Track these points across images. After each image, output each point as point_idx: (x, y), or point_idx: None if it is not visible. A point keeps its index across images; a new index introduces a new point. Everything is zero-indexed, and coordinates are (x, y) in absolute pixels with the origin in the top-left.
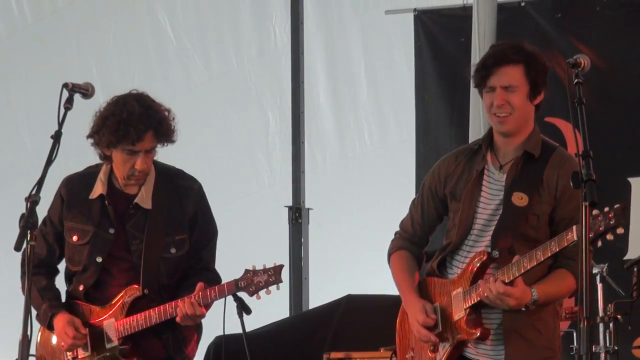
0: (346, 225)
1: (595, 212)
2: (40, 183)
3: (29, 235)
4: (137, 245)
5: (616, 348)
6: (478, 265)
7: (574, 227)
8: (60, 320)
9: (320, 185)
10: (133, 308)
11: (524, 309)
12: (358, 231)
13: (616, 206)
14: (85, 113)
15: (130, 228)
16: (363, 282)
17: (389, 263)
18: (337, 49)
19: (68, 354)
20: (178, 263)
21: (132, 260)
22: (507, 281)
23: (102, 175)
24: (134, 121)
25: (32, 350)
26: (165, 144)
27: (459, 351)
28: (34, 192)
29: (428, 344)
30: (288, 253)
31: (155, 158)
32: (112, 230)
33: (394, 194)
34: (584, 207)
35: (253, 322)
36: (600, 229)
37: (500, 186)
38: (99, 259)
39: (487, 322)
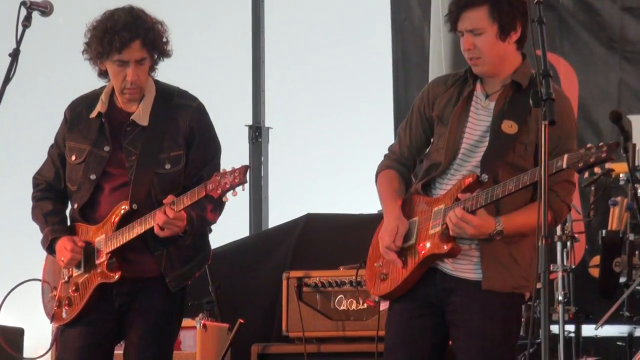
0: (306, 144)
1: (589, 145)
2: None
3: None
4: (132, 162)
5: (573, 267)
6: (465, 185)
7: (565, 156)
8: (61, 241)
9: (280, 103)
10: (124, 224)
11: (489, 238)
12: (318, 151)
13: (610, 142)
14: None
15: (127, 144)
16: (322, 202)
17: (376, 182)
18: None
19: (64, 272)
20: (174, 179)
21: (127, 177)
22: (474, 208)
23: (103, 95)
24: (119, 29)
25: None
26: (161, 58)
27: (427, 265)
28: None
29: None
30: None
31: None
32: (107, 148)
33: (357, 113)
34: (543, 125)
35: (213, 241)
36: (591, 160)
37: (488, 113)
38: (93, 177)
39: (467, 243)
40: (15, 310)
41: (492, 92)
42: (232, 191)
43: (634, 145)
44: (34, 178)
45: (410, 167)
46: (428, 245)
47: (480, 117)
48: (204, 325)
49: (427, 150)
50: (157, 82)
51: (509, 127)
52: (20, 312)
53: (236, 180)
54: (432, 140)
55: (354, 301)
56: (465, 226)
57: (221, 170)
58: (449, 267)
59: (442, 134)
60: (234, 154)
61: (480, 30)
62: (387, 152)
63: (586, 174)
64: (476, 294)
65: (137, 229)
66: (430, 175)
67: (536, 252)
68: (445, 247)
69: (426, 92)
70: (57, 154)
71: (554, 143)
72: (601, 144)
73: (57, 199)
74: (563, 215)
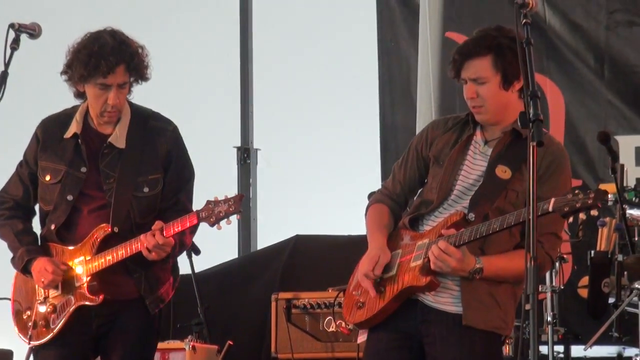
0: (295, 166)
1: (577, 190)
2: None
3: None
4: (110, 184)
5: (562, 287)
6: (451, 223)
7: (552, 200)
8: (39, 262)
9: (269, 125)
10: (104, 247)
11: (468, 276)
12: (307, 172)
13: (599, 189)
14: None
15: (104, 167)
16: (311, 223)
17: (365, 214)
18: None
19: (40, 293)
20: (151, 202)
21: (105, 199)
22: (457, 244)
23: (77, 115)
24: (106, 54)
25: (9, 294)
26: (139, 82)
27: (405, 296)
28: None
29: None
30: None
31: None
32: (84, 169)
33: (345, 134)
34: (531, 147)
35: (202, 263)
36: (577, 205)
37: (485, 158)
38: (70, 197)
39: (448, 279)
40: (4, 332)
41: (492, 139)
42: (226, 219)
43: (622, 166)
44: (1, 195)
45: (402, 204)
46: (407, 277)
47: (476, 161)
48: (193, 347)
49: (420, 190)
50: (131, 104)
51: (503, 172)
52: (9, 333)
53: (231, 209)
54: (426, 180)
55: (343, 322)
56: (448, 258)
57: (213, 198)
58: (429, 298)
59: (437, 174)
60: (222, 175)
61: (484, 79)
62: (380, 187)
63: None
64: (455, 328)
65: (121, 253)
66: (420, 211)
67: (515, 300)
68: (424, 280)
69: (425, 132)
70: (28, 172)
71: (547, 194)
72: (588, 190)
73: (26, 217)
74: (546, 267)
